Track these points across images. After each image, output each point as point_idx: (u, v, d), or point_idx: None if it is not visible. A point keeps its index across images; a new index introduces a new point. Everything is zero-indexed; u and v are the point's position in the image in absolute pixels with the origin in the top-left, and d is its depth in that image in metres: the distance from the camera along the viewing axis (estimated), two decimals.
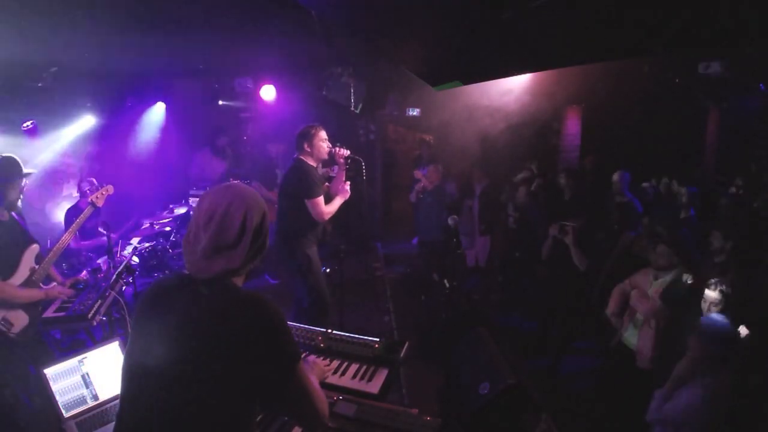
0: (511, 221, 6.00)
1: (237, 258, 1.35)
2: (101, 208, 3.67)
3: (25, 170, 3.14)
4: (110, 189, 3.63)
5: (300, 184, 3.69)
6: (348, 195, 3.92)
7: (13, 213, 3.16)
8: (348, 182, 3.97)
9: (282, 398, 1.36)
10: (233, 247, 1.35)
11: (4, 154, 3.14)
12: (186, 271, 1.38)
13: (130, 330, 1.43)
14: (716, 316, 2.60)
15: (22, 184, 3.12)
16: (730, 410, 2.42)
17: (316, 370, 1.90)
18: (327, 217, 3.81)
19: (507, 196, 6.18)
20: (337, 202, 3.86)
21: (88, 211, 3.47)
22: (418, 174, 6.51)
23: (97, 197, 3.53)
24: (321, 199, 3.72)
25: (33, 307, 3.09)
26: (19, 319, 2.99)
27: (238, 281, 1.41)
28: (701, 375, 2.47)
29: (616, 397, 3.43)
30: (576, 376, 4.26)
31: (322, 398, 1.44)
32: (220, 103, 7.43)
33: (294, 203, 3.72)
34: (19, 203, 3.17)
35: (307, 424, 1.45)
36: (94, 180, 5.33)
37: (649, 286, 3.43)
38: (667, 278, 3.36)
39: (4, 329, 2.90)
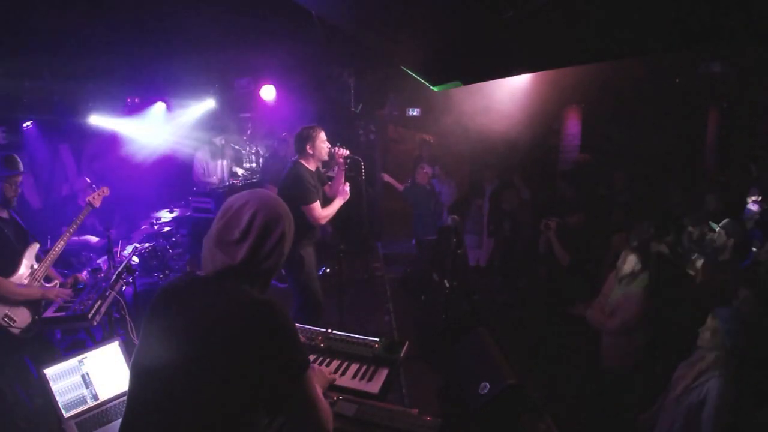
0: (507, 228, 6.04)
1: (238, 254, 1.36)
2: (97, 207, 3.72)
3: (21, 169, 3.17)
4: (106, 190, 3.75)
5: (295, 191, 3.68)
6: (347, 196, 3.92)
7: (11, 212, 3.18)
8: (347, 183, 3.96)
9: (287, 405, 1.35)
10: (235, 243, 1.37)
11: (4, 153, 3.16)
12: (199, 271, 1.40)
13: (141, 328, 1.43)
14: (726, 310, 2.52)
15: (19, 181, 3.15)
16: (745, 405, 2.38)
17: (321, 378, 1.87)
18: (324, 221, 3.81)
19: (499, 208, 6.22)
20: (337, 204, 3.86)
21: (86, 211, 3.54)
22: (386, 177, 6.85)
23: (94, 198, 3.65)
24: (317, 204, 3.72)
25: (35, 305, 3.10)
26: (22, 316, 3.00)
27: (251, 289, 1.39)
28: (718, 367, 2.42)
29: (613, 396, 3.44)
30: (575, 374, 4.26)
31: (326, 409, 1.43)
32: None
33: (289, 206, 3.71)
34: (14, 201, 3.19)
35: None
36: (87, 179, 5.36)
37: (613, 288, 3.51)
38: (631, 287, 3.40)
39: (6, 325, 2.91)
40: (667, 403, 2.61)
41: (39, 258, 3.22)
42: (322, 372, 1.91)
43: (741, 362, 2.40)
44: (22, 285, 3.03)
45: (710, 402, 2.38)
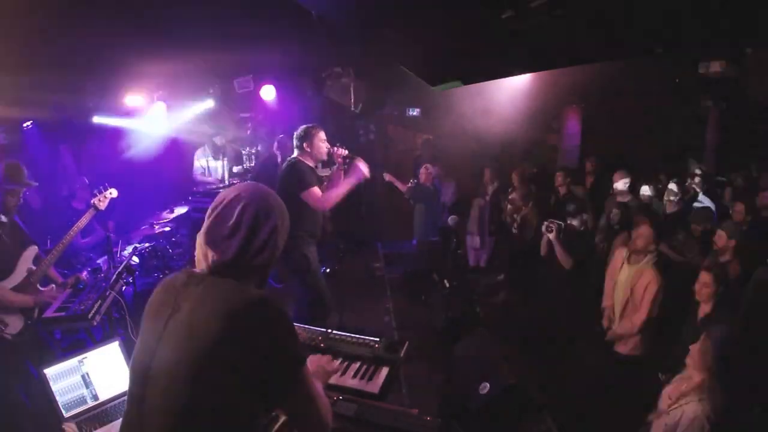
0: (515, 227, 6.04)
1: (229, 250, 1.35)
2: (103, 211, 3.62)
3: (28, 181, 3.12)
4: (114, 192, 3.61)
5: (291, 181, 3.66)
6: (363, 176, 3.70)
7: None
8: (361, 160, 3.78)
9: (285, 402, 1.35)
10: (226, 238, 1.35)
11: (8, 161, 3.13)
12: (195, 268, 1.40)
13: (139, 328, 1.43)
14: (720, 330, 2.39)
15: (22, 191, 3.12)
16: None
17: (321, 373, 1.81)
18: (328, 204, 3.71)
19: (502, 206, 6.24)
20: (346, 184, 3.70)
21: (89, 214, 3.46)
22: (388, 177, 6.66)
23: (99, 200, 3.51)
24: (315, 188, 3.67)
25: (28, 311, 3.08)
26: (14, 321, 2.98)
27: (247, 285, 1.38)
28: (699, 392, 2.31)
29: (615, 396, 3.45)
30: (575, 374, 4.26)
31: (325, 405, 1.43)
32: None
33: (289, 202, 3.69)
34: (15, 210, 3.16)
35: (308, 431, 1.45)
36: (86, 180, 5.34)
37: (619, 268, 3.59)
38: (641, 265, 3.47)
39: None
40: (653, 420, 2.56)
41: (38, 260, 3.20)
42: (322, 366, 1.84)
43: (724, 391, 2.25)
44: (14, 292, 3.00)
45: (680, 428, 2.31)
